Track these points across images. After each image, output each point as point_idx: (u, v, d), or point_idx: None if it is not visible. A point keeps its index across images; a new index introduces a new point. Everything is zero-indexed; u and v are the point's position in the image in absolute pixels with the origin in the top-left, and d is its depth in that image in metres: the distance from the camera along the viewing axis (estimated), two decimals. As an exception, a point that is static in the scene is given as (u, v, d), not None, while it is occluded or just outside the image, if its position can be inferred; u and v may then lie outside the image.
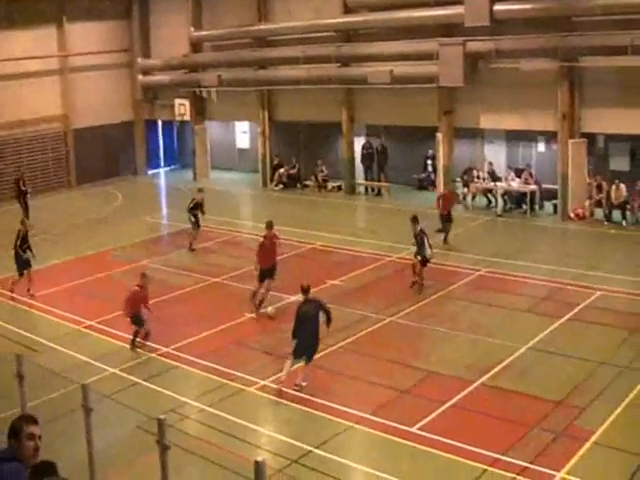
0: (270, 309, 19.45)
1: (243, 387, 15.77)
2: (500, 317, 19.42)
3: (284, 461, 12.63)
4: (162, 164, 44.61)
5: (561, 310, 19.34)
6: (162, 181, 42.30)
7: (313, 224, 28.82)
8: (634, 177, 28.33)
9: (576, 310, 19.38)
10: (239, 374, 16.29)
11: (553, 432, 13.46)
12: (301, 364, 15.62)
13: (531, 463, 12.38)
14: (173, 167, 44.56)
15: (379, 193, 35.17)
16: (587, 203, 28.93)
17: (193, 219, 26.65)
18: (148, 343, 18.04)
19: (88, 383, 10.51)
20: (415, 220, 21.81)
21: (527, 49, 28.64)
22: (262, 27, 37.03)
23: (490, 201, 31.76)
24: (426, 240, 21.41)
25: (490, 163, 32.39)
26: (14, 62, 36.62)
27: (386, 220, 30.54)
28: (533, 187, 30.42)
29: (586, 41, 27.33)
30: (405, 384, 15.60)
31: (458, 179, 32.57)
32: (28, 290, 22.08)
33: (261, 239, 20.97)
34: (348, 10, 34.06)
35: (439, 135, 32.11)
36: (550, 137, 30.57)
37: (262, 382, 15.91)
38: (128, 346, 17.92)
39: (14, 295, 22.07)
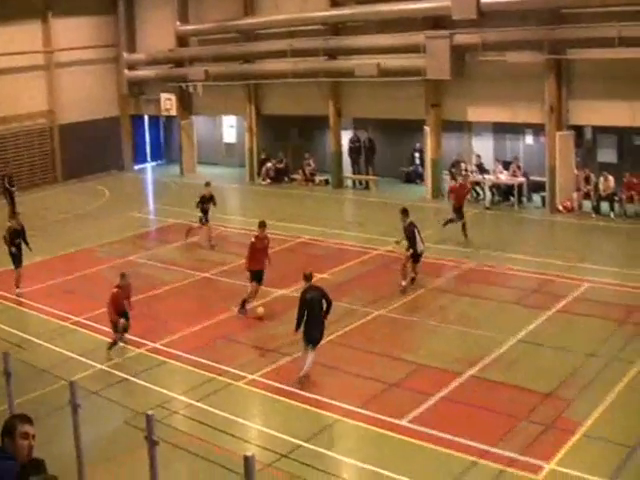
0: (260, 309, 19.18)
1: (231, 382, 15.71)
2: (489, 309, 19.40)
3: (273, 455, 12.57)
4: (148, 159, 44.47)
5: (549, 302, 19.33)
6: (149, 176, 42.16)
7: (300, 218, 28.77)
8: (622, 169, 28.37)
9: (564, 302, 19.38)
10: (227, 369, 16.23)
11: (542, 424, 13.44)
12: (311, 353, 15.55)
13: (520, 455, 12.36)
14: (160, 162, 44.42)
15: (367, 186, 35.13)
16: (575, 195, 28.96)
17: (202, 214, 26.02)
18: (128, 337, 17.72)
19: (75, 379, 10.43)
20: (405, 213, 21.22)
21: (514, 41, 28.64)
22: (248, 21, 36.96)
23: (478, 194, 31.76)
24: (417, 233, 20.86)
25: (478, 156, 32.40)
26: (-1, 58, 36.43)
27: (373, 213, 30.53)
28: (521, 180, 30.45)
29: (573, 33, 27.33)
30: (394, 377, 15.56)
31: (446, 172, 32.56)
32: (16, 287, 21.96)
33: (252, 239, 20.04)
34: (335, 3, 34.09)
35: (426, 128, 32.10)
36: (538, 129, 30.57)
37: (250, 376, 15.86)
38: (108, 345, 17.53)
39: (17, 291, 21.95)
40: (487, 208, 30.02)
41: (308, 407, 14.46)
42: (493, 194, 31.06)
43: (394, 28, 31.60)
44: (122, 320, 17.26)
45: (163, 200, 34.86)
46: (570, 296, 19.79)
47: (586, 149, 30.46)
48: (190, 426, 13.97)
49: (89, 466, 10.26)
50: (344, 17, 33.93)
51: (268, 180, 37.24)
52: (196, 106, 40.72)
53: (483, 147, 33.28)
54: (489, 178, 31.15)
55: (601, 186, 28.32)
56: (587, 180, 28.85)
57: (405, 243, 21.06)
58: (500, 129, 32.69)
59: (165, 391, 15.45)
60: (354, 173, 36.27)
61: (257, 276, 19.55)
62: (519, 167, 30.80)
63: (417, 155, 34.79)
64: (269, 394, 15.17)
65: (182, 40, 40.06)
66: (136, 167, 43.21)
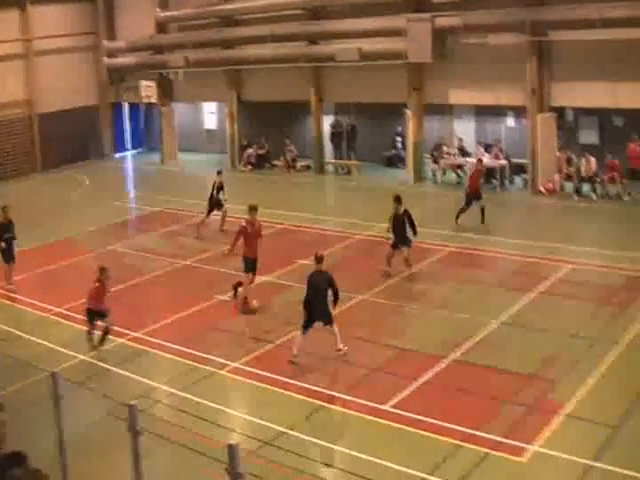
0: (254, 302, 18.73)
1: (215, 370, 15.62)
2: (471, 293, 19.38)
3: (257, 443, 12.49)
4: (129, 147, 44.18)
5: (532, 284, 19.34)
6: (129, 164, 41.91)
7: (282, 204, 28.65)
8: (603, 150, 28.40)
9: (547, 284, 19.40)
10: (210, 357, 16.14)
11: (526, 406, 13.48)
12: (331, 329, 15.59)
13: (504, 437, 12.36)
14: (140, 150, 44.13)
15: (348, 171, 35.03)
16: (557, 177, 28.97)
17: (215, 203, 25.71)
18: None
19: (58, 371, 10.32)
20: (398, 200, 20.57)
21: (495, 24, 28.61)
22: (229, 6, 36.74)
23: (460, 177, 31.73)
24: (408, 223, 20.32)
25: (460, 139, 32.40)
26: (-24, 46, 36.09)
27: (355, 198, 30.50)
28: (503, 162, 30.45)
29: (554, 15, 27.33)
30: (377, 362, 15.53)
31: (428, 155, 32.52)
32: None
33: (242, 223, 19.47)
34: (315, -13, 33.85)
35: (408, 112, 32.01)
36: (519, 112, 30.55)
37: (234, 364, 15.78)
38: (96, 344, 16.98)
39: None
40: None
41: (291, 394, 14.40)
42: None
43: (375, 12, 31.46)
44: (99, 323, 16.77)
45: (144, 188, 34.63)
46: (553, 278, 19.81)
47: (568, 131, 30.46)
48: (173, 415, 13.83)
49: (72, 458, 10.18)
50: (324, 1, 33.76)
51: (249, 166, 37.10)
52: (176, 93, 40.48)
53: (465, 130, 33.26)
54: (471, 161, 31.08)
55: (583, 168, 28.37)
56: (569, 162, 28.88)
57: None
58: (482, 112, 32.65)
59: (148, 381, 15.36)
60: (336, 158, 36.16)
61: (250, 265, 18.86)
62: (501, 150, 30.80)
63: (399, 139, 34.72)
64: (253, 382, 15.09)
65: (162, 27, 39.75)
66: (116, 155, 42.92)
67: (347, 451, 12.38)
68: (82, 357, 16.52)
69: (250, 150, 37.42)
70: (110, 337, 16.88)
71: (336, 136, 36.11)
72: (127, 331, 17.70)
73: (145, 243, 25.50)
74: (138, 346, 17.11)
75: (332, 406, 13.93)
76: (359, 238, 24.24)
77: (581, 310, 17.77)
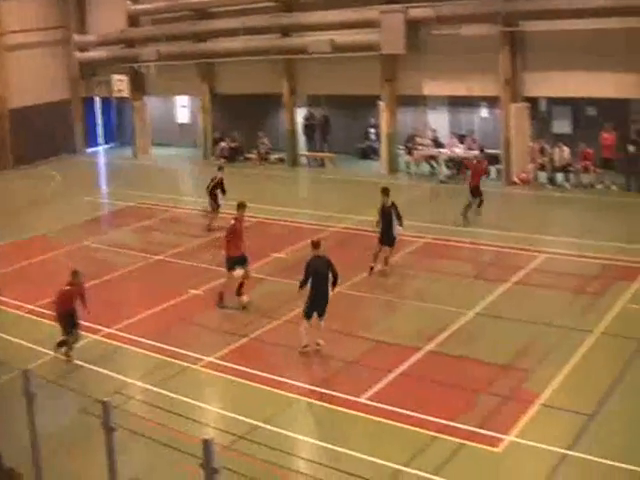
0: (244, 298, 18.40)
1: (189, 365, 15.51)
2: (446, 284, 19.37)
3: (232, 438, 12.40)
4: (101, 142, 43.83)
5: (507, 274, 19.38)
6: (102, 159, 41.56)
7: (256, 197, 28.39)
8: (577, 140, 28.49)
9: (522, 274, 19.44)
10: (184, 352, 16.01)
11: (501, 396, 13.49)
12: (321, 323, 15.63)
13: (480, 428, 12.37)
14: (113, 144, 43.79)
15: (322, 164, 34.97)
16: (530, 167, 29.04)
17: (212, 200, 25.22)
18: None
19: (30, 368, 10.20)
20: (385, 192, 19.96)
21: (468, 14, 28.66)
22: (200, -1, 36.51)
23: (434, 168, 31.74)
24: (395, 215, 19.78)
25: (433, 130, 32.39)
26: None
27: (329, 191, 30.44)
28: (476, 153, 30.42)
29: (527, 5, 27.42)
30: (352, 354, 15.49)
31: (401, 147, 32.50)
32: None
33: (232, 221, 18.89)
34: (287, -21, 33.71)
35: (381, 103, 31.97)
36: (493, 102, 30.58)
37: (208, 359, 15.68)
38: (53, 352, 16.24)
39: None
40: (442, 182, 30.01)
41: (266, 387, 14.32)
42: (448, 168, 31.04)
43: (347, 3, 31.43)
44: (76, 331, 16.15)
45: (116, 183, 34.37)
46: (527, 268, 19.86)
47: (541, 121, 30.55)
48: (148, 411, 13.74)
49: (46, 455, 10.11)
50: (296, -7, 33.66)
51: (222, 160, 36.87)
52: (149, 87, 40.21)
53: (438, 121, 33.27)
54: (444, 152, 31.14)
55: (556, 157, 28.47)
56: (542, 151, 28.98)
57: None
58: (455, 102, 32.68)
59: (122, 377, 15.23)
60: (309, 151, 36.10)
61: (240, 262, 18.47)
62: (474, 140, 30.84)
63: (372, 131, 34.67)
64: (227, 376, 15.01)
65: (133, 20, 39.47)
66: (88, 150, 42.54)
67: (322, 444, 12.34)
68: (55, 354, 16.34)
69: (223, 143, 37.26)
70: (83, 334, 16.71)
71: (309, 128, 36.03)
72: (100, 327, 17.55)
73: (118, 238, 25.29)
74: (112, 342, 16.97)
75: (307, 399, 13.85)
76: (333, 230, 24.18)
77: (556, 299, 17.81)
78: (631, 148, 27.09)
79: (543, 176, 28.83)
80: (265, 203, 27.49)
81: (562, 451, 11.54)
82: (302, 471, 11.67)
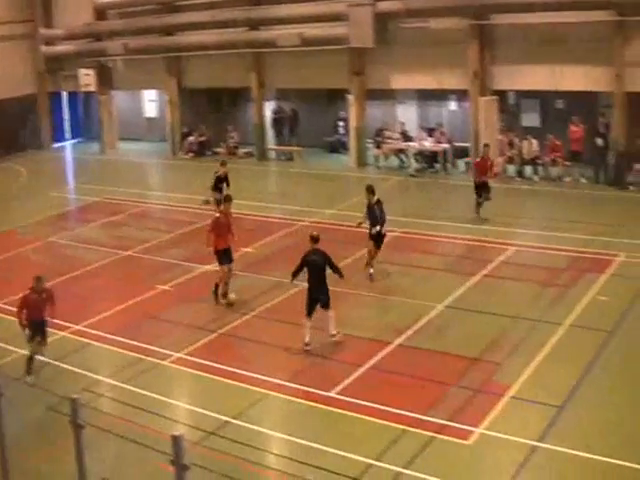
0: (232, 296, 18.12)
1: (158, 361, 15.40)
2: (416, 277, 19.40)
3: (202, 434, 12.34)
4: (68, 137, 43.39)
5: (476, 267, 19.44)
6: (68, 154, 41.15)
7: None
8: (545, 133, 28.64)
9: (491, 267, 19.51)
10: (153, 348, 15.91)
11: (471, 389, 13.51)
12: (327, 313, 15.57)
13: (450, 421, 12.38)
14: (80, 139, 43.36)
15: (291, 158, 34.88)
16: (499, 160, 29.13)
17: (218, 195, 24.15)
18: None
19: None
20: (370, 190, 19.39)
21: (437, 8, 28.71)
22: (168, -8, 36.25)
23: (403, 161, 31.77)
24: (379, 213, 19.21)
25: (402, 123, 32.41)
26: None
27: (298, 185, 30.38)
28: (445, 146, 30.54)
29: (495, -1, 27.47)
30: (322, 349, 15.44)
31: (370, 140, 32.50)
32: None
33: (216, 214, 18.78)
34: (255, -28, 33.57)
35: (350, 97, 31.94)
36: (462, 95, 30.67)
37: (177, 355, 15.58)
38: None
39: None
40: (412, 175, 30.04)
41: (236, 383, 14.26)
42: (418, 161, 31.09)
43: (316, -4, 31.35)
44: (37, 338, 15.21)
45: (84, 178, 34.06)
46: (496, 260, 19.93)
47: (510, 114, 30.68)
48: (117, 408, 13.66)
49: (14, 454, 10.03)
50: (265, -14, 33.52)
51: (191, 154, 36.73)
52: (116, 81, 39.84)
53: (407, 114, 33.32)
54: (413, 145, 31.17)
55: (525, 150, 28.61)
56: (511, 144, 29.11)
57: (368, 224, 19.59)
58: (424, 96, 32.75)
59: (90, 374, 15.08)
60: (278, 144, 35.99)
61: (226, 255, 18.27)
62: (443, 133, 30.90)
63: (341, 124, 34.63)
64: (196, 372, 14.91)
65: (100, 14, 39.07)
66: (55, 145, 42.08)
67: (293, 439, 12.29)
68: (22, 352, 16.10)
69: (191, 138, 37.07)
70: (51, 331, 16.48)
71: (278, 122, 35.94)
72: (68, 324, 17.36)
73: (86, 234, 25.05)
74: (80, 339, 16.81)
75: (277, 394, 13.79)
76: (302, 225, 24.11)
77: (525, 292, 17.89)
78: (599, 141, 27.27)
79: (512, 169, 28.97)
80: (234, 197, 27.31)
81: (532, 443, 11.59)
82: (273, 466, 11.63)
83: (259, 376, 14.38)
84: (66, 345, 16.51)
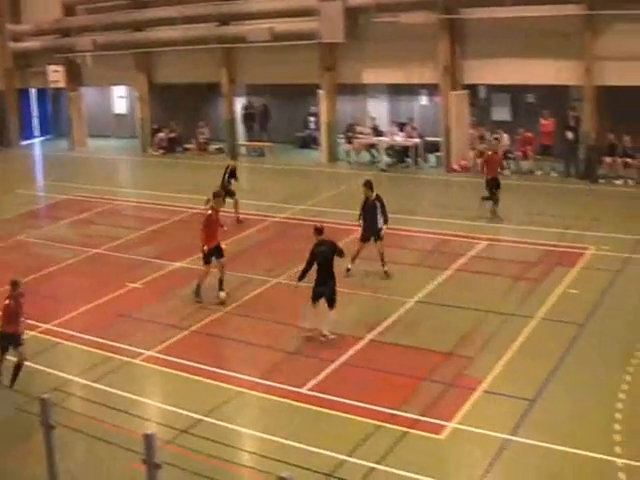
0: (222, 294, 17.78)
1: (129, 359, 15.25)
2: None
3: (174, 432, 12.23)
4: (37, 134, 43.03)
5: (448, 262, 19.46)
6: (37, 152, 40.78)
7: (194, 188, 28.28)
8: (516, 127, 28.74)
9: (462, 261, 19.54)
10: (124, 346, 15.75)
11: (443, 383, 13.49)
12: (329, 313, 15.43)
13: (422, 415, 12.35)
14: (49, 137, 43.03)
15: (262, 153, 34.79)
16: (470, 154, 29.22)
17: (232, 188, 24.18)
18: None
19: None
20: (368, 185, 18.73)
21: (407, 2, 28.75)
22: (137, -13, 35.98)
23: (374, 156, 31.77)
24: (380, 211, 18.58)
25: (373, 118, 32.40)
26: None
27: (269, 180, 30.28)
28: (416, 140, 30.58)
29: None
30: (294, 345, 15.37)
31: (341, 135, 32.47)
32: None
33: (209, 212, 18.30)
34: (224, -34, 33.41)
35: (321, 92, 31.89)
36: (432, 90, 30.71)
37: (148, 353, 15.44)
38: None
39: None
40: (383, 170, 30.04)
41: (208, 381, 14.14)
42: (389, 156, 31.10)
43: (286, -9, 31.25)
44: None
45: (53, 176, 33.74)
46: (468, 255, 19.97)
47: (480, 108, 30.77)
48: (88, 408, 13.50)
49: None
50: (235, -19, 33.36)
51: (161, 151, 36.54)
52: (85, 77, 39.57)
53: (378, 109, 33.32)
54: (385, 140, 31.18)
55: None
56: (482, 139, 29.17)
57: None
58: (395, 91, 32.79)
59: (61, 373, 14.88)
60: (248, 140, 35.89)
61: (216, 252, 17.87)
62: (414, 128, 30.93)
63: (312, 119, 34.60)
64: (168, 370, 14.78)
65: (69, 9, 38.78)
66: (24, 143, 41.70)
67: (266, 436, 12.21)
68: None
69: (161, 134, 36.89)
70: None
71: (248, 118, 35.86)
72: (38, 323, 17.15)
73: (55, 232, 24.79)
74: (50, 338, 16.60)
75: (249, 391, 13.70)
76: (274, 221, 24.06)
77: (497, 286, 17.92)
78: (569, 135, 27.41)
79: (483, 163, 29.02)
80: (203, 194, 27.11)
81: (504, 436, 11.59)
82: (246, 464, 11.56)
83: (232, 373, 14.31)
84: (36, 345, 16.24)
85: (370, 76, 31.19)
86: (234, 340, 15.90)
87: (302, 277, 15.57)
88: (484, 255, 20.05)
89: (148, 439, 7.00)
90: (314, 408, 12.91)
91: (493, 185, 23.04)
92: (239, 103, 35.64)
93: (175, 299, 18.13)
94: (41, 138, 42.95)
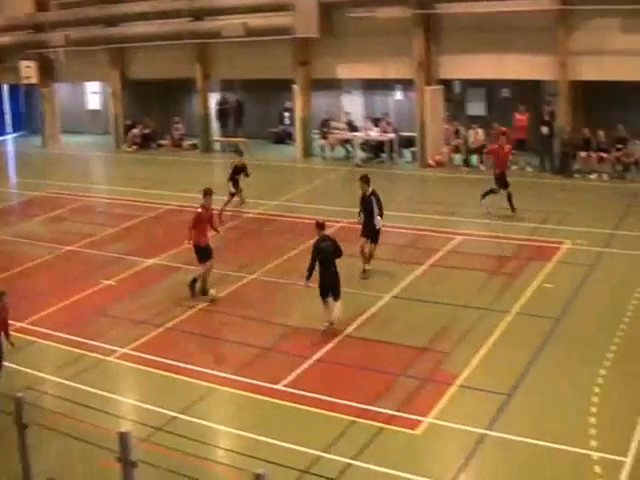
0: (212, 292, 17.61)
1: (103, 357, 15.12)
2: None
3: (149, 430, 12.15)
4: (9, 130, 42.74)
5: (423, 257, 19.48)
6: (10, 148, 40.47)
7: (168, 184, 28.16)
8: (491, 121, 28.82)
9: (437, 256, 19.56)
10: (98, 344, 15.61)
11: (419, 378, 13.48)
12: (335, 304, 15.44)
13: (398, 411, 12.33)
14: (22, 133, 42.74)
15: (237, 149, 34.58)
16: (445, 149, 29.27)
17: (233, 188, 24.14)
18: None
19: None
20: (365, 180, 18.35)
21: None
22: (109, -18, 35.73)
23: (349, 152, 31.74)
24: (375, 206, 18.27)
25: (348, 113, 32.38)
26: None
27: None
28: (391, 136, 30.58)
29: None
30: (268, 341, 15.32)
31: (316, 131, 32.42)
32: None
33: (198, 209, 18.13)
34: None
35: (296, 87, 31.82)
36: (407, 85, 30.73)
37: (122, 350, 15.31)
38: None
39: None
40: (358, 165, 30.00)
41: (183, 378, 14.05)
42: (364, 151, 31.09)
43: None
44: None
45: (25, 172, 33.48)
46: (443, 250, 19.99)
47: (455, 103, 30.82)
48: (62, 406, 13.34)
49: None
50: (208, -24, 33.22)
51: (135, 147, 36.34)
52: (58, 73, 39.27)
53: (353, 104, 33.36)
54: (359, 135, 31.16)
55: (471, 139, 28.75)
56: (457, 133, 29.25)
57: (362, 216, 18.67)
58: (370, 86, 32.81)
59: (34, 372, 14.72)
60: (223, 136, 35.77)
61: (206, 251, 17.70)
62: (389, 123, 30.94)
63: (286, 115, 34.57)
64: (142, 367, 14.67)
65: (42, 4, 38.51)
66: (-5, 140, 41.48)
67: (241, 433, 12.15)
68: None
69: (135, 130, 36.70)
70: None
71: (223, 113, 35.78)
72: (12, 321, 16.86)
73: (28, 229, 24.55)
74: (23, 336, 16.33)
75: (224, 388, 13.63)
76: (248, 217, 23.97)
77: (472, 281, 17.93)
78: (544, 129, 27.53)
79: (458, 158, 29.10)
80: (177, 190, 27.14)
81: (481, 431, 11.59)
82: (222, 461, 11.49)
83: (207, 370, 14.21)
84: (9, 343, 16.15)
85: (345, 71, 31.17)
86: (209, 337, 15.82)
87: (310, 274, 15.44)
88: (459, 250, 20.08)
89: (123, 437, 6.95)
90: (290, 404, 12.85)
91: (502, 181, 22.66)
92: (213, 99, 35.47)
93: (149, 296, 18.02)
94: (14, 134, 42.72)
